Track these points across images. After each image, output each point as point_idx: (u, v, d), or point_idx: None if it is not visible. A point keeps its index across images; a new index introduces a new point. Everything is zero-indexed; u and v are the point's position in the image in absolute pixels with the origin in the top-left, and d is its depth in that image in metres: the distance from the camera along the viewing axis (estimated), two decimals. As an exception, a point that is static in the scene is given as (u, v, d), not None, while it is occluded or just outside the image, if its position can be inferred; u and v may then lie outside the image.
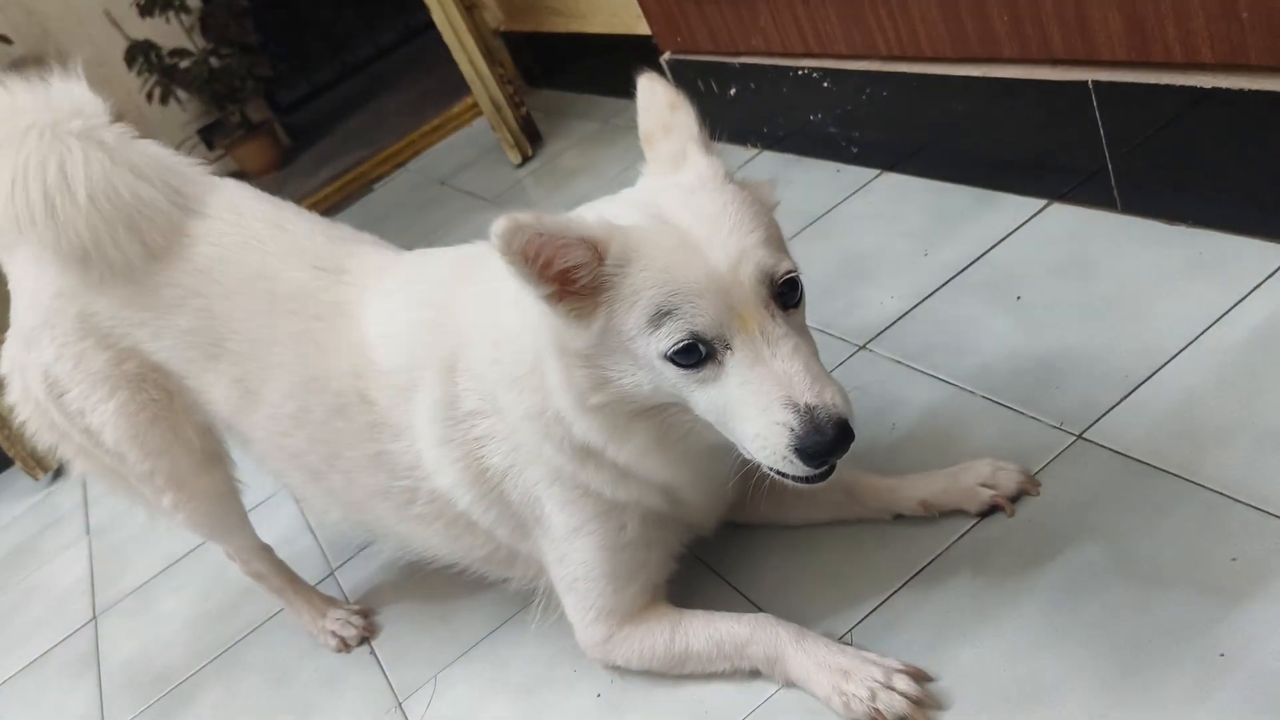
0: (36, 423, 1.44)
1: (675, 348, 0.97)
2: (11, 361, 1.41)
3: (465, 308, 1.20)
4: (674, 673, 1.23)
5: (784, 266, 0.99)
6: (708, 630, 1.19)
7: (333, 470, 1.33)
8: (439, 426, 1.21)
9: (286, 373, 1.30)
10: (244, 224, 1.34)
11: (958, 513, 1.23)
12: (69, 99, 1.30)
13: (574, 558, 1.22)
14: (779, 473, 0.99)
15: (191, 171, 1.38)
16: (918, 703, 1.04)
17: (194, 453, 1.42)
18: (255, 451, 1.42)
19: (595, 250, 0.97)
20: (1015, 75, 1.57)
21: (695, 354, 0.98)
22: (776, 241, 1.02)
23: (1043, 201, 1.64)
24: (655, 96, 1.10)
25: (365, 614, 1.58)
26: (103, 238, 1.24)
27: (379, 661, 1.50)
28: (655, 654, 1.22)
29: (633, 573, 1.23)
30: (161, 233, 1.29)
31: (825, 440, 0.94)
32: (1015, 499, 1.20)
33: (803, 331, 1.02)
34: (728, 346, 0.97)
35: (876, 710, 1.05)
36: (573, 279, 0.98)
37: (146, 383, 1.36)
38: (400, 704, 1.40)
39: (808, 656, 1.12)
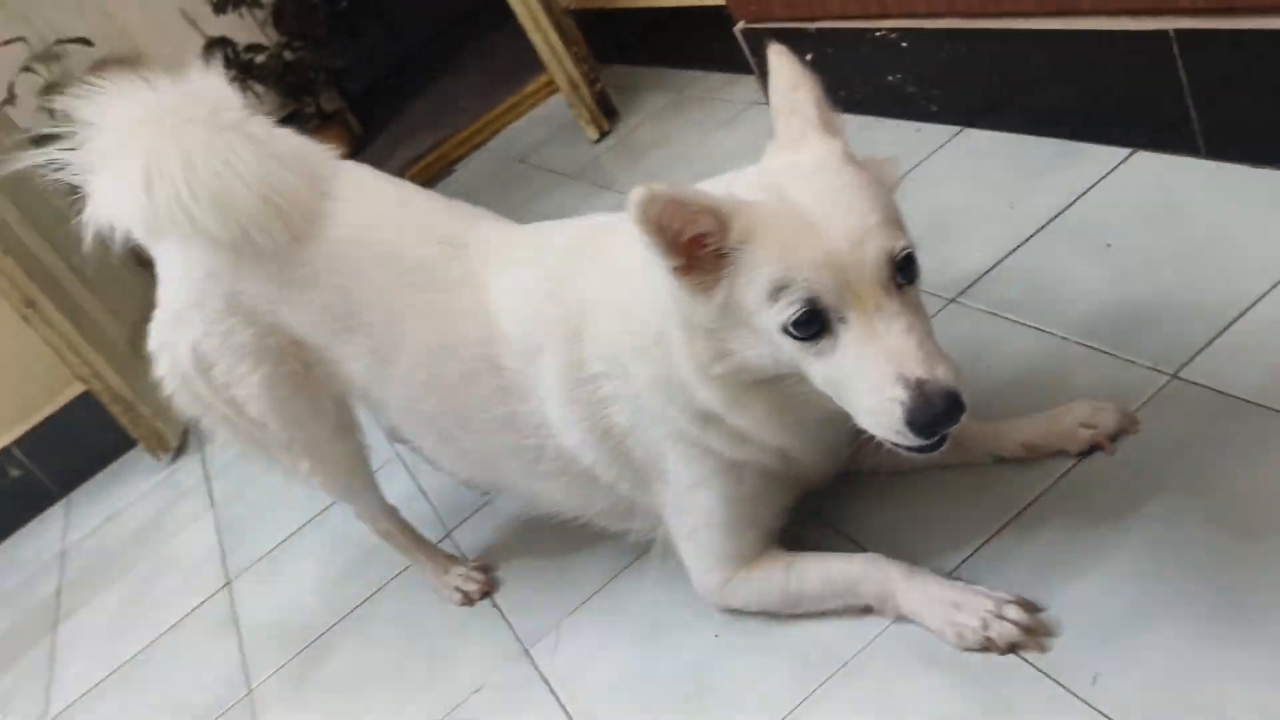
0: (183, 396, 1.53)
1: (793, 319, 1.03)
2: (160, 339, 1.50)
3: (591, 279, 1.27)
4: (788, 612, 1.30)
5: (900, 244, 1.04)
6: (820, 570, 1.27)
7: (465, 431, 1.42)
8: (564, 389, 1.29)
9: (417, 342, 1.39)
10: (371, 203, 1.43)
11: (1059, 454, 1.28)
12: (213, 93, 1.39)
13: (694, 509, 1.30)
14: (893, 444, 1.05)
15: (322, 156, 1.47)
16: (1029, 630, 1.09)
17: (329, 423, 1.53)
18: (391, 417, 1.52)
19: (722, 223, 1.03)
20: (1095, 26, 1.60)
21: (812, 326, 1.03)
22: (894, 221, 1.07)
23: (1127, 150, 1.67)
24: (781, 75, 1.15)
25: (486, 569, 1.68)
26: (257, 224, 1.34)
27: (502, 613, 1.60)
28: (771, 595, 1.30)
29: (749, 522, 1.30)
30: (302, 216, 1.39)
31: (936, 413, 0.99)
32: (1115, 438, 1.24)
33: (917, 308, 1.07)
34: (843, 320, 1.03)
35: (989, 639, 1.10)
36: (699, 251, 1.04)
37: (287, 356, 1.46)
38: (527, 650, 1.50)
39: (919, 591, 1.18)
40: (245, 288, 1.42)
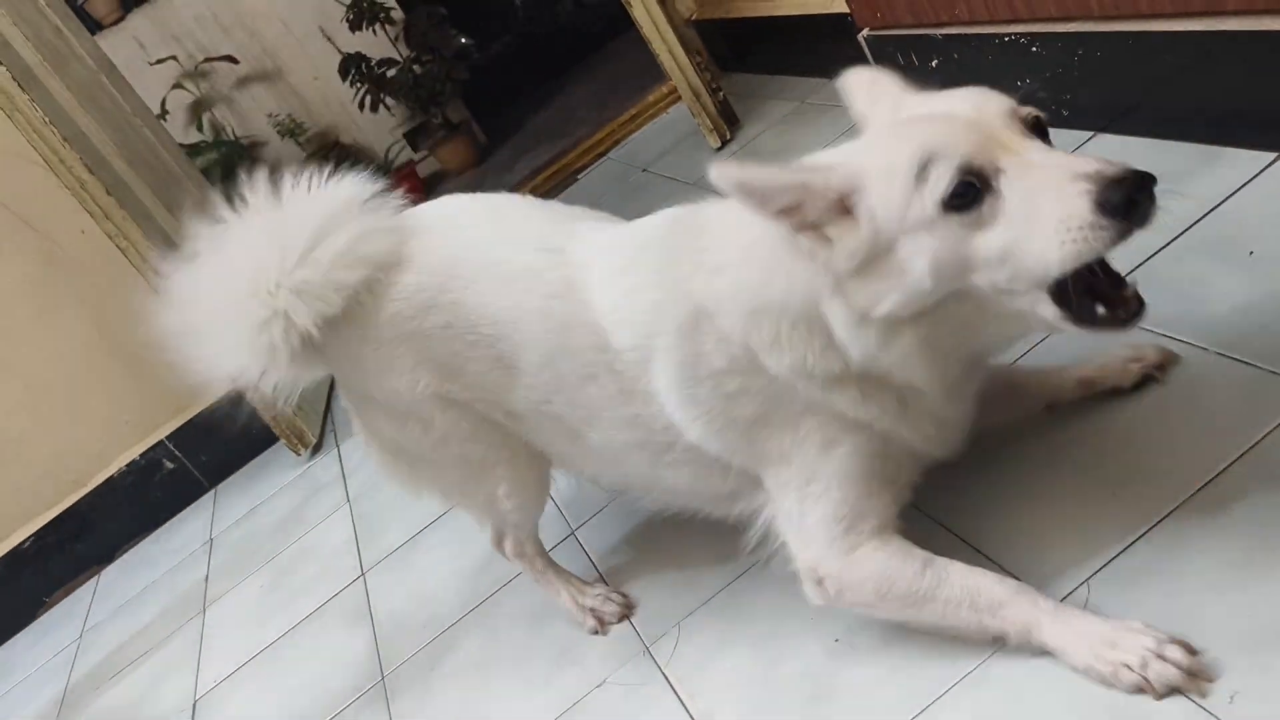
0: (389, 467, 1.67)
1: (950, 189, 1.02)
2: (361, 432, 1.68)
3: (698, 274, 1.27)
4: (901, 614, 1.24)
5: (1026, 108, 1.06)
6: (965, 579, 1.19)
7: (591, 430, 1.45)
8: (684, 388, 1.30)
9: (535, 345, 1.42)
10: (463, 221, 1.50)
11: (1115, 391, 1.36)
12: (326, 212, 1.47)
13: (825, 470, 1.25)
14: (1088, 290, 1.05)
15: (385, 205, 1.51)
16: (1190, 673, 1.02)
17: (506, 448, 1.57)
18: (522, 424, 1.53)
19: (824, 180, 1.08)
20: (1239, 27, 1.55)
21: (969, 193, 1.02)
22: None
23: (1272, 155, 1.61)
24: (857, 82, 1.20)
25: (624, 595, 1.66)
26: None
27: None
28: (896, 583, 1.22)
29: (883, 483, 1.26)
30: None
31: (1126, 186, 0.96)
32: (1162, 368, 1.33)
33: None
34: (999, 170, 1.02)
35: (1146, 679, 1.03)
36: (808, 212, 1.09)
37: (443, 394, 1.51)
38: (648, 648, 1.53)
39: (1067, 626, 1.11)
40: (385, 333, 1.48)
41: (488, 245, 1.46)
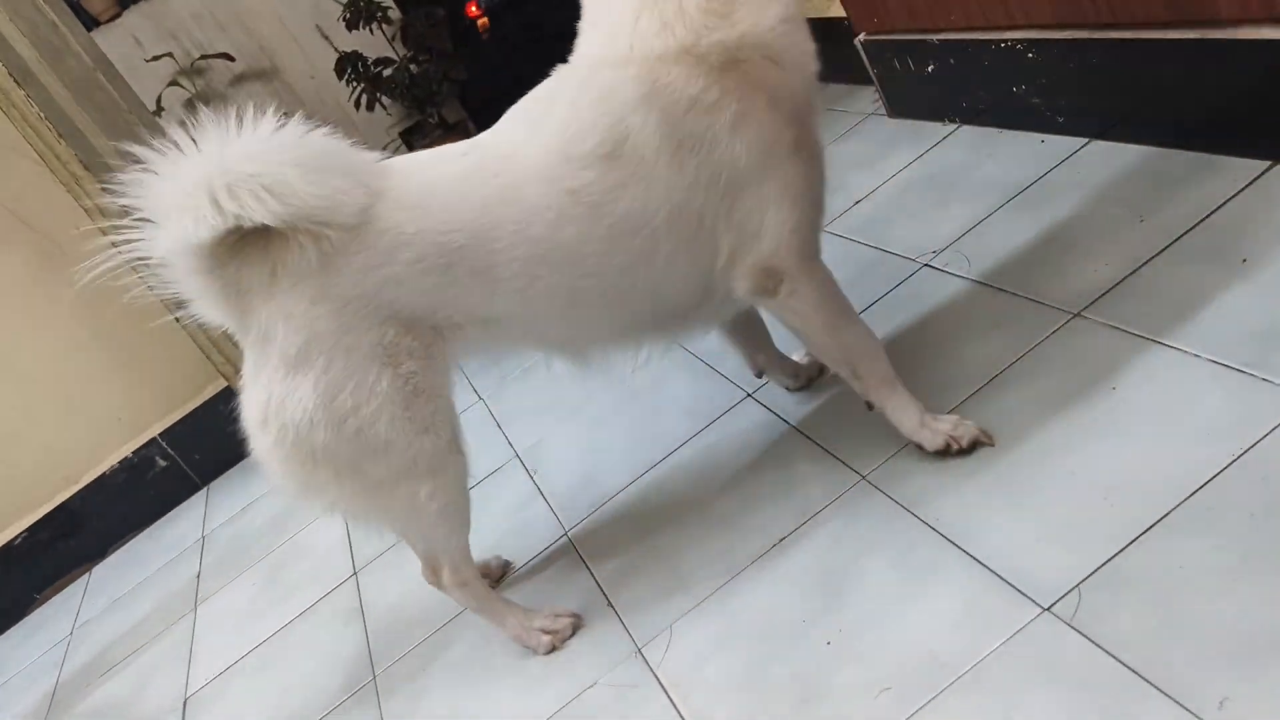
0: (295, 459, 1.48)
1: None
2: (268, 407, 1.46)
3: (614, 40, 1.45)
4: (828, 326, 1.52)
5: None
6: (875, 338, 1.56)
7: (582, 272, 1.46)
8: (671, 135, 1.41)
9: (503, 227, 1.43)
10: (408, 167, 1.51)
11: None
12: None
13: (794, 174, 1.44)
14: None
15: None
16: (983, 434, 1.46)
17: (447, 429, 1.53)
18: (504, 331, 1.54)
19: None
20: (1235, 36, 1.56)
21: None
22: None
23: (1266, 163, 1.62)
24: None
25: (573, 613, 1.67)
26: (324, 198, 1.37)
27: (617, 612, 1.65)
28: (839, 298, 1.53)
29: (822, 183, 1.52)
30: (365, 178, 1.43)
31: None
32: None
33: None
34: None
35: (953, 436, 1.45)
36: None
37: (402, 352, 1.46)
38: (640, 650, 1.54)
39: (907, 408, 1.51)
40: (347, 289, 1.42)
41: (431, 172, 1.49)
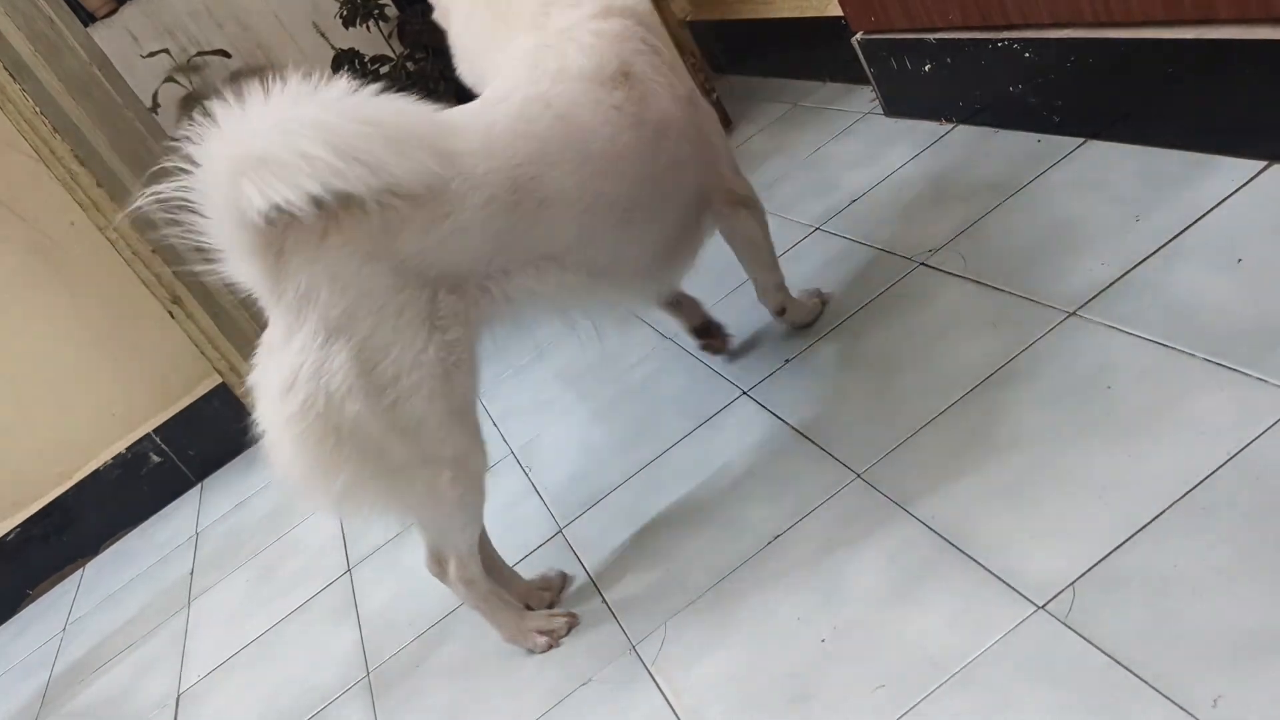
0: (310, 437, 1.39)
1: None
2: (304, 370, 1.37)
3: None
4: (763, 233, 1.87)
5: None
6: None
7: (630, 185, 1.60)
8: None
9: (564, 153, 1.53)
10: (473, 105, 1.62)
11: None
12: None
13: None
14: None
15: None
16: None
17: (473, 417, 1.51)
18: (566, 268, 1.57)
19: None
20: (1232, 36, 1.56)
21: None
22: None
23: (1262, 163, 1.62)
24: None
25: (570, 613, 1.66)
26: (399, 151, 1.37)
27: (611, 610, 1.64)
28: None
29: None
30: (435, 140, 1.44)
31: None
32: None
33: None
34: None
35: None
36: None
37: (449, 316, 1.43)
38: (634, 647, 1.53)
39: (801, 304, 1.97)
40: (406, 246, 1.38)
41: (485, 117, 1.54)
